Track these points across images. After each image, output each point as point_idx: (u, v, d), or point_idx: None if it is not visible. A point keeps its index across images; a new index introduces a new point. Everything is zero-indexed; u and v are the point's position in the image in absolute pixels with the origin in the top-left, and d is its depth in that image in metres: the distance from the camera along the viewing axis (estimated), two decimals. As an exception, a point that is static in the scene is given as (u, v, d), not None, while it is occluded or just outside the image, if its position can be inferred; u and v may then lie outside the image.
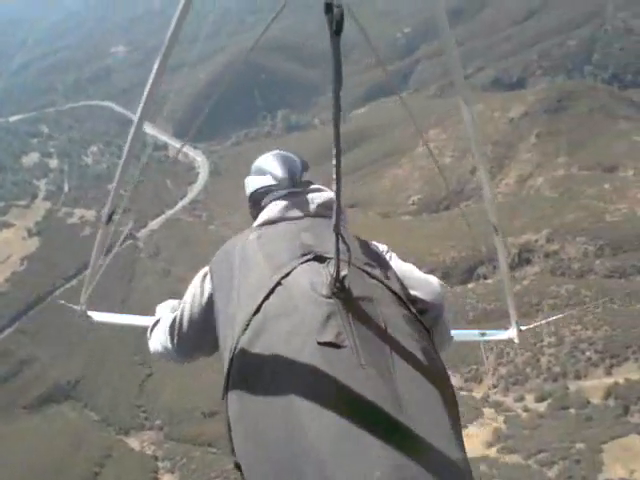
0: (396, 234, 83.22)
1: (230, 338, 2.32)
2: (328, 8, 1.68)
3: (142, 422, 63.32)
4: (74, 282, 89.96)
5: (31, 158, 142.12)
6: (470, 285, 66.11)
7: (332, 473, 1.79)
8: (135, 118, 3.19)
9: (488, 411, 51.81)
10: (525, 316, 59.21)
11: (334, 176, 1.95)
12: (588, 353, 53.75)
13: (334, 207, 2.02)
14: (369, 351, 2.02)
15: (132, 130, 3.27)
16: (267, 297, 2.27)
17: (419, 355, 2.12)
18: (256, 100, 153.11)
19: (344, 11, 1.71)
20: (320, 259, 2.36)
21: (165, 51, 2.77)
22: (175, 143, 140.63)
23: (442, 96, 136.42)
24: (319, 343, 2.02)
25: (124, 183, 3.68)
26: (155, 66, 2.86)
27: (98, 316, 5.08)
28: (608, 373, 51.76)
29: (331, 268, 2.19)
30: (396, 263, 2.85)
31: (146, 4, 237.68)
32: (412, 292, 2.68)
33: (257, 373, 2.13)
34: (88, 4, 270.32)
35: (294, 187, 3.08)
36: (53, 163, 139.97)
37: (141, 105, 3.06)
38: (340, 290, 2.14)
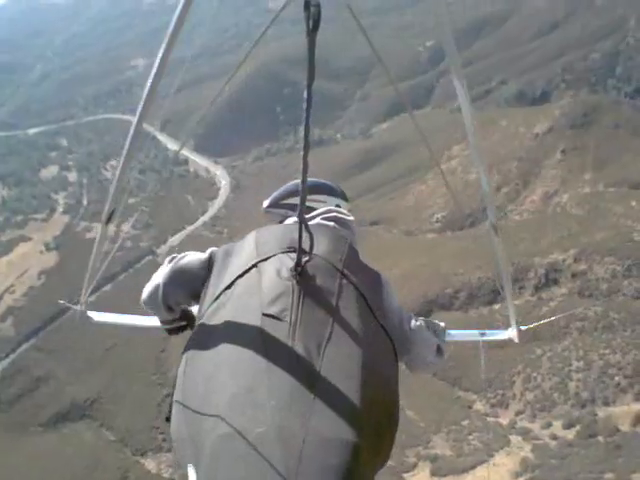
0: (420, 253, 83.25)
1: (205, 305, 2.71)
2: (306, 6, 1.88)
3: (159, 444, 62.30)
4: (93, 298, 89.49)
5: (50, 171, 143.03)
6: (496, 306, 64.87)
7: (221, 423, 2.05)
8: (136, 115, 3.20)
9: (515, 439, 50.59)
10: (554, 338, 58.30)
11: (301, 171, 2.28)
12: (617, 378, 52.51)
13: (299, 199, 2.33)
14: (307, 331, 2.29)
15: (132, 128, 3.27)
16: (241, 275, 2.60)
17: (359, 350, 2.32)
18: (278, 115, 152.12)
19: (320, 9, 1.91)
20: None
21: (166, 47, 2.80)
22: (197, 158, 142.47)
23: None
24: (263, 314, 2.33)
25: (123, 183, 3.74)
26: (156, 62, 2.94)
27: (98, 316, 5.11)
28: (637, 399, 50.57)
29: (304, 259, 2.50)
30: (390, 295, 2.96)
31: (165, 15, 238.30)
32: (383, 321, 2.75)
33: (208, 338, 2.42)
34: (108, 16, 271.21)
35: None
36: (72, 177, 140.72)
37: (141, 103, 3.11)
38: (299, 274, 2.44)
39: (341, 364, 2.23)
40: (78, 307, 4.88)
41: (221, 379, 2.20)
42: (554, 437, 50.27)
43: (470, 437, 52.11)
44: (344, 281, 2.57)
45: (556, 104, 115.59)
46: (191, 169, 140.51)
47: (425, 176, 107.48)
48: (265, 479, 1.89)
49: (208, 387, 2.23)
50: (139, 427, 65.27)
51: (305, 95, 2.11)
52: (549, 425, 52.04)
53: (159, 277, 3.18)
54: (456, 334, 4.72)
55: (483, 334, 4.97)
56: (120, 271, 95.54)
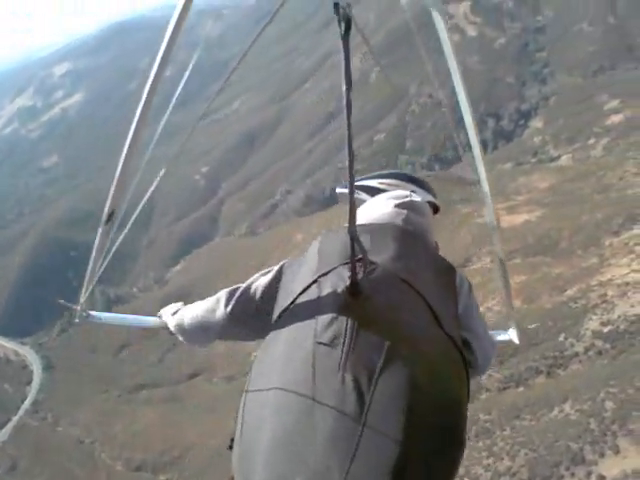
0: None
1: (269, 325, 2.67)
2: (335, 8, 1.97)
3: None
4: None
5: None
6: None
7: (262, 470, 2.06)
8: (136, 114, 3.13)
9: None
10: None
11: (347, 178, 2.37)
12: (514, 486, 47.23)
13: (349, 212, 2.29)
14: (360, 359, 2.18)
15: (133, 126, 3.15)
16: (302, 292, 2.54)
17: (417, 376, 2.16)
18: (71, 280, 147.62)
19: (351, 10, 1.99)
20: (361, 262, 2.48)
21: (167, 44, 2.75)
22: (3, 341, 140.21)
23: (255, 233, 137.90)
24: (316, 342, 2.26)
25: (124, 182, 3.64)
26: (160, 51, 2.80)
27: (99, 316, 4.79)
28: (545, 503, 45.46)
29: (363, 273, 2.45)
30: (468, 300, 2.90)
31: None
32: (463, 335, 2.79)
33: (265, 363, 2.41)
34: None
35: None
36: None
37: (143, 99, 3.03)
38: (353, 295, 2.36)
39: (393, 397, 2.08)
40: (78, 307, 4.58)
41: (268, 414, 2.16)
42: None
43: None
44: (408, 291, 2.47)
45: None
46: (1, 354, 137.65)
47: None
48: None
49: (257, 423, 2.20)
50: None
51: (345, 102, 2.15)
52: None
53: (214, 313, 3.20)
54: None
55: None
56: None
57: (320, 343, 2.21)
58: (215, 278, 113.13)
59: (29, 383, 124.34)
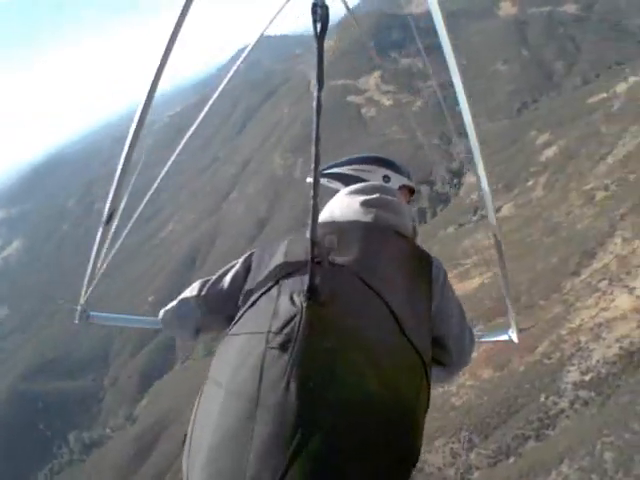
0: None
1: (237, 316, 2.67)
2: (314, 9, 1.99)
3: None
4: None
5: None
6: None
7: (199, 468, 2.11)
8: (136, 114, 3.33)
9: None
10: None
11: (312, 180, 2.21)
12: None
13: (311, 215, 2.22)
14: (308, 368, 2.15)
15: (133, 126, 3.35)
16: (264, 293, 2.56)
17: (366, 389, 2.16)
18: (44, 431, 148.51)
19: (328, 11, 2.01)
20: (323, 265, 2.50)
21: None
22: None
23: (214, 352, 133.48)
24: (268, 347, 2.23)
25: (124, 182, 3.79)
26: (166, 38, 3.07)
27: (99, 317, 4.78)
28: None
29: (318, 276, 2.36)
30: (443, 296, 2.87)
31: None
32: (438, 333, 2.86)
33: (220, 360, 2.43)
34: None
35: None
36: None
37: (142, 101, 3.25)
38: (309, 299, 2.28)
39: (338, 410, 2.09)
40: (78, 307, 4.51)
41: (214, 416, 2.19)
42: None
43: None
44: (370, 296, 2.47)
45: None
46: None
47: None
48: None
49: (204, 422, 2.24)
50: None
51: (314, 104, 2.20)
52: None
53: (188, 302, 3.25)
54: None
55: (480, 336, 4.96)
56: None
57: (271, 348, 2.18)
58: (184, 405, 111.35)
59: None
